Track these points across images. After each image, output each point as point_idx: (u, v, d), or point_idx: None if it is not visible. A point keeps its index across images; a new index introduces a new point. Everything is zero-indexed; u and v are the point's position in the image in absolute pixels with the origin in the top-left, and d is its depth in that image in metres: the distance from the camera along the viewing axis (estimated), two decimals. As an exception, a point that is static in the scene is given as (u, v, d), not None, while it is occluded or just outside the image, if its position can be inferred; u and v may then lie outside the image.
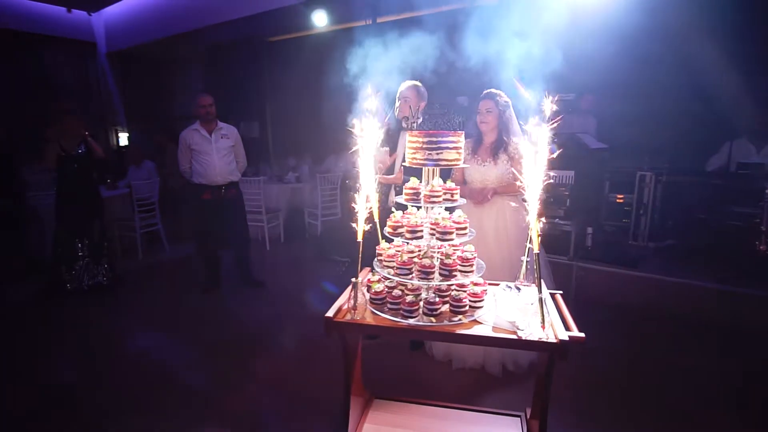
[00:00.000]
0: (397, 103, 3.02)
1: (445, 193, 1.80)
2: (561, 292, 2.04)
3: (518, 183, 1.66)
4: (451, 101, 4.72)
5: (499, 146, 2.77)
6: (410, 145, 1.77)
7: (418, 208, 1.89)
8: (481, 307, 1.78)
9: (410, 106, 2.88)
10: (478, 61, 2.62)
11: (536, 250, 1.61)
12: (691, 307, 3.57)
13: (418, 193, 1.79)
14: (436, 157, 1.71)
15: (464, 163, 3.03)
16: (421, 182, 1.86)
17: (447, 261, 1.74)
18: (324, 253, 5.40)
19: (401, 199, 1.84)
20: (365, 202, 1.75)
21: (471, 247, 1.91)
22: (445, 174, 2.18)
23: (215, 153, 4.09)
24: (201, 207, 4.18)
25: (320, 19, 5.03)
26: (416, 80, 3.03)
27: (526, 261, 2.04)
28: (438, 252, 1.85)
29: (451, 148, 1.72)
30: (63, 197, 4.14)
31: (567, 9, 4.06)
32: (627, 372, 2.95)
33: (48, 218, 4.50)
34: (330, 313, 1.77)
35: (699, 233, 4.10)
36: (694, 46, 3.87)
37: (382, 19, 4.82)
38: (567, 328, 1.69)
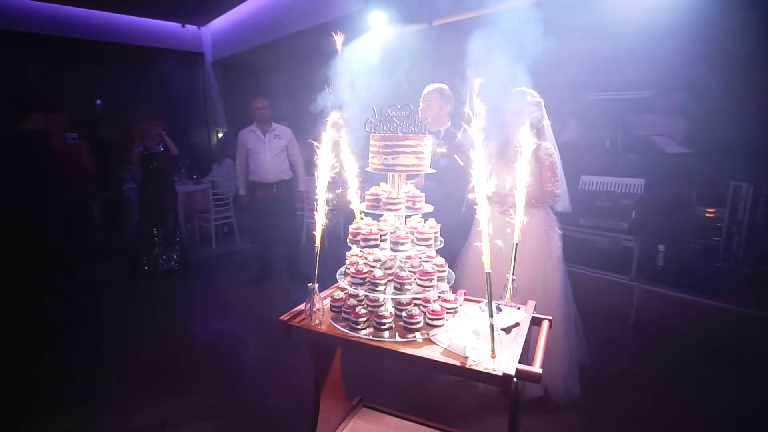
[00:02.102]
0: (421, 105, 2.92)
1: (407, 201, 1.68)
2: (551, 318, 1.79)
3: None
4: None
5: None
6: (371, 149, 1.69)
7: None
8: (441, 325, 1.63)
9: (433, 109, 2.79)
10: (546, 57, 2.43)
11: (487, 269, 1.42)
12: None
13: (378, 200, 1.69)
14: (391, 161, 1.61)
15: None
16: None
17: (401, 273, 1.62)
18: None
19: (363, 206, 1.76)
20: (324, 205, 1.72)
21: (441, 260, 1.76)
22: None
23: (268, 152, 4.33)
24: (255, 203, 4.48)
25: (377, 23, 5.05)
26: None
27: (512, 279, 1.83)
28: (403, 263, 1.74)
29: (408, 153, 1.59)
30: (144, 190, 4.73)
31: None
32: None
33: (134, 209, 5.17)
34: (286, 316, 1.77)
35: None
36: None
37: (438, 22, 4.69)
38: (531, 360, 1.48)
